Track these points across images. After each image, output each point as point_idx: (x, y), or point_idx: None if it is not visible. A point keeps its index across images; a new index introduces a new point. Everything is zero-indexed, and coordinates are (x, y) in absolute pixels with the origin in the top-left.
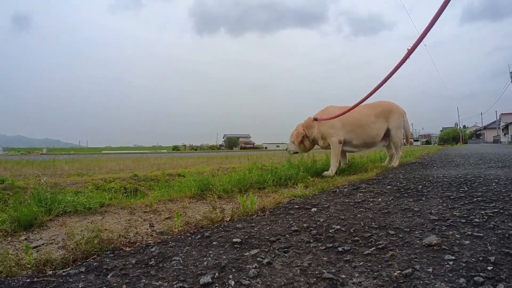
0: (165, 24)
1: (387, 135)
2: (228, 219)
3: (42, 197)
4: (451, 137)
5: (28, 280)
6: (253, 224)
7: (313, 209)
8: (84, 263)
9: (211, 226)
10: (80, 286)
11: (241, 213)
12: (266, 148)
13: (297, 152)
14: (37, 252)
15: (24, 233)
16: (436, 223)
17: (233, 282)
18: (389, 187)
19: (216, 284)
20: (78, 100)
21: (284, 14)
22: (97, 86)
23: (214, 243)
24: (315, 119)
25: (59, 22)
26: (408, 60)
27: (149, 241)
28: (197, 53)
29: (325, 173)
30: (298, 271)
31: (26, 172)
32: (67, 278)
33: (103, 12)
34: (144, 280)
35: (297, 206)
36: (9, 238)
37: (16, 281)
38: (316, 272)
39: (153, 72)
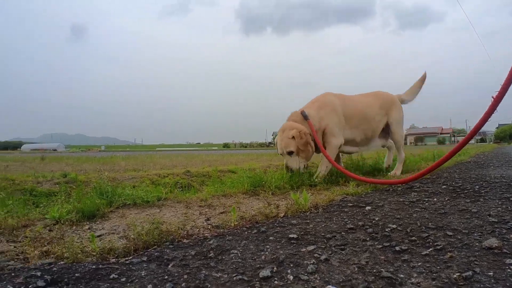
0: (212, 27)
1: (386, 131)
2: (282, 215)
3: (104, 190)
4: (508, 134)
5: (94, 266)
6: (308, 221)
7: (367, 208)
8: (146, 253)
9: (266, 221)
10: (142, 274)
11: (294, 209)
12: None
13: (305, 167)
14: (100, 241)
15: (87, 223)
16: (496, 226)
17: (291, 277)
18: (444, 186)
19: (275, 278)
20: (134, 101)
21: (328, 11)
22: (150, 88)
23: (270, 238)
24: (306, 117)
25: (112, 30)
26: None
27: (206, 234)
28: (243, 54)
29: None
30: (356, 269)
31: (86, 167)
32: (130, 266)
33: (152, 20)
34: (204, 272)
35: (350, 204)
36: (74, 227)
37: (82, 267)
38: (374, 270)
39: (202, 74)
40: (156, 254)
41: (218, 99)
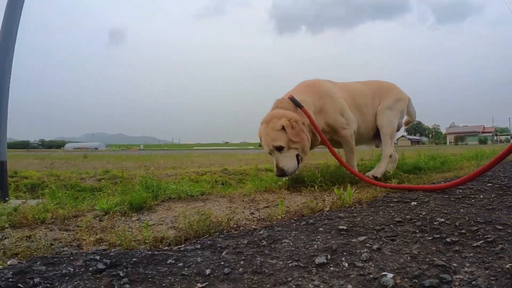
0: (246, 28)
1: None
2: (327, 209)
3: (149, 184)
4: None
5: (149, 252)
6: (355, 214)
7: (413, 203)
8: (198, 241)
9: (313, 215)
10: (198, 260)
11: (339, 204)
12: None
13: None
14: (150, 231)
15: (135, 214)
16: None
17: (346, 264)
18: (489, 184)
19: (331, 265)
20: (171, 101)
21: (362, 8)
22: (186, 89)
23: (320, 229)
24: (298, 105)
25: (148, 35)
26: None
27: (253, 226)
28: (277, 54)
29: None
30: (409, 258)
31: (126, 165)
32: (185, 253)
33: (187, 23)
34: (259, 258)
35: (395, 200)
36: (123, 218)
37: (138, 253)
38: (427, 259)
39: (236, 75)
40: (208, 242)
41: (252, 99)
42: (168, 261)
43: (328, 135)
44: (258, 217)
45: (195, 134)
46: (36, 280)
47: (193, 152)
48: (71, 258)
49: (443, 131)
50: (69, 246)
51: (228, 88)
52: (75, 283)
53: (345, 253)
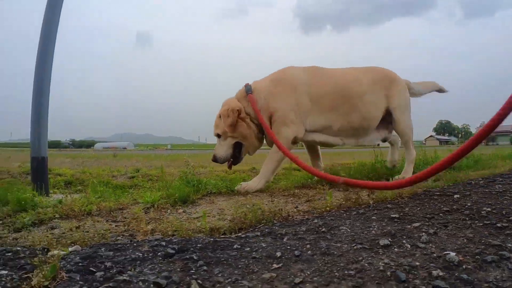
0: (270, 28)
1: (387, 120)
2: (371, 202)
3: (190, 179)
4: None
5: (212, 239)
6: (402, 206)
7: (456, 196)
8: (256, 229)
9: (359, 207)
10: (263, 245)
11: (379, 198)
12: (378, 145)
13: (234, 162)
14: (199, 222)
15: (180, 207)
16: None
17: (408, 245)
18: None
19: (394, 246)
20: (196, 101)
21: (387, 4)
22: (210, 89)
23: (373, 217)
24: (249, 92)
25: (173, 37)
26: None
27: (298, 217)
28: (302, 53)
29: (242, 184)
30: (465, 240)
31: (155, 164)
32: (247, 239)
33: (211, 25)
34: (323, 242)
35: (438, 193)
36: (168, 211)
37: (200, 240)
38: (482, 241)
39: (259, 75)
40: (266, 230)
41: None
42: (234, 246)
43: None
44: (302, 210)
45: None
46: (108, 264)
47: None
48: (135, 244)
49: (473, 130)
50: (122, 236)
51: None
52: (149, 266)
53: (404, 237)
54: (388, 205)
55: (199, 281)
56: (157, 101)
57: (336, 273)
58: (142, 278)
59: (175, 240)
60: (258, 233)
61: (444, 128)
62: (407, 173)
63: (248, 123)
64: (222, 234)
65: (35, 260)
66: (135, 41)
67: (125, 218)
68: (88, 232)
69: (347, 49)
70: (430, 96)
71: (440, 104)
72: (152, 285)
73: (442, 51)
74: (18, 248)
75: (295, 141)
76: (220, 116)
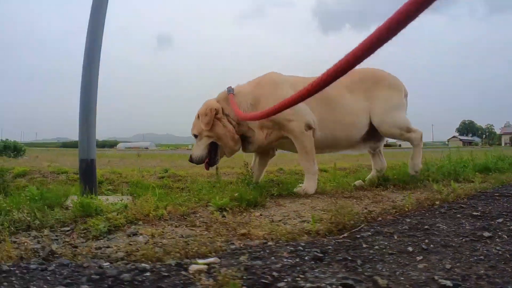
0: (289, 28)
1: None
2: (437, 202)
3: (249, 181)
4: None
5: (334, 240)
6: (473, 205)
7: None
8: (360, 230)
9: (433, 207)
10: (385, 243)
11: (442, 198)
12: (400, 145)
13: (210, 163)
14: (284, 224)
15: (253, 210)
16: None
17: (505, 236)
18: None
19: (496, 237)
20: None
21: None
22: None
23: (457, 215)
24: (230, 92)
25: (193, 38)
26: None
27: (391, 217)
28: (321, 52)
29: (302, 187)
30: None
31: (180, 164)
32: (363, 239)
33: (230, 25)
34: (433, 238)
35: (497, 194)
36: (243, 213)
37: (325, 242)
38: None
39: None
40: (372, 230)
41: None
42: (364, 246)
43: (276, 132)
44: (375, 211)
45: None
46: (272, 273)
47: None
48: (268, 251)
49: (497, 131)
50: (228, 242)
51: None
52: (317, 270)
53: (497, 230)
54: (462, 205)
55: (378, 276)
56: (177, 101)
57: (470, 259)
58: (329, 282)
59: (302, 244)
60: (369, 233)
61: (467, 128)
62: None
63: (224, 124)
64: (324, 236)
65: (196, 278)
66: (156, 42)
67: (204, 222)
68: (195, 240)
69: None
70: (452, 96)
71: (463, 104)
72: (340, 287)
73: (464, 48)
74: (146, 266)
75: (309, 127)
76: (198, 116)
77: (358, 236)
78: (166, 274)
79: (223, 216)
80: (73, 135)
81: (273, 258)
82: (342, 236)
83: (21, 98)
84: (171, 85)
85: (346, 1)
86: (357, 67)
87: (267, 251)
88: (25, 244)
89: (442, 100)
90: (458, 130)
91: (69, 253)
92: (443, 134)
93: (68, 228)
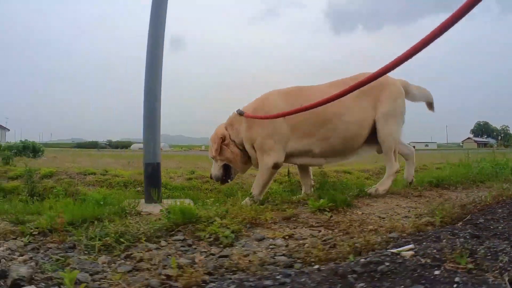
0: (302, 29)
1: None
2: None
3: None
4: None
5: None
6: None
7: None
8: (472, 218)
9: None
10: (496, 225)
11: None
12: (414, 147)
13: (225, 180)
14: (396, 220)
15: (350, 210)
16: None
17: None
18: None
19: None
20: (230, 104)
21: (419, 1)
22: (241, 90)
23: None
24: (240, 114)
25: (206, 40)
26: None
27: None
28: (333, 53)
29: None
30: None
31: (201, 165)
32: (479, 224)
33: (243, 26)
34: None
35: None
36: (347, 213)
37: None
38: None
39: (292, 73)
40: (480, 220)
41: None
42: (486, 227)
43: (253, 152)
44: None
45: None
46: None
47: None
48: (437, 236)
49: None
50: (380, 235)
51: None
52: (484, 242)
53: None
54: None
55: None
56: (189, 103)
57: None
58: (500, 248)
59: (453, 229)
60: (481, 220)
61: (482, 129)
62: (384, 185)
63: (231, 149)
64: (442, 226)
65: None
66: (169, 44)
67: (318, 222)
68: (320, 238)
69: (378, 48)
70: (467, 96)
71: (478, 105)
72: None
73: (478, 47)
74: (378, 259)
75: (276, 167)
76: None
77: (476, 222)
78: (389, 262)
79: (331, 216)
80: (87, 135)
81: (445, 240)
82: (460, 224)
83: (38, 99)
84: (184, 86)
85: (357, 2)
86: None
87: (434, 236)
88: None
89: (457, 100)
90: (473, 131)
91: (243, 265)
92: (458, 136)
93: (180, 237)
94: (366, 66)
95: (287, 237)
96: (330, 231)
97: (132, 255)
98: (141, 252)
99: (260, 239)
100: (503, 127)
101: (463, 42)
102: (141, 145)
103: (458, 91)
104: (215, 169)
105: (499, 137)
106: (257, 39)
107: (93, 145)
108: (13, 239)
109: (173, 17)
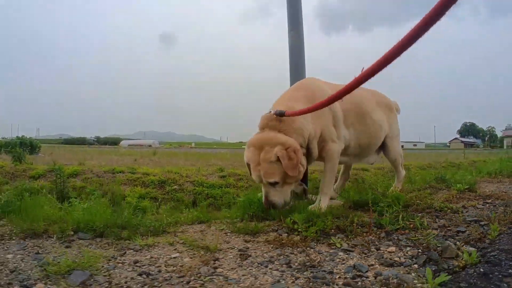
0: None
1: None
2: None
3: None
4: None
5: None
6: None
7: None
8: None
9: None
10: None
11: None
12: (403, 146)
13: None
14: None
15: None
16: None
17: None
18: None
19: None
20: (218, 100)
21: (410, 2)
22: (234, 87)
23: None
24: (281, 114)
25: (198, 36)
26: None
27: None
28: (322, 53)
29: (312, 207)
30: None
31: (213, 162)
32: None
33: (235, 25)
34: None
35: None
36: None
37: None
38: None
39: (280, 77)
40: None
41: None
42: None
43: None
44: None
45: (241, 134)
46: None
47: None
48: None
49: (499, 133)
50: None
51: (273, 89)
52: None
53: None
54: None
55: None
56: (179, 99)
57: None
58: None
59: None
60: None
61: (468, 130)
62: (397, 188)
63: (303, 162)
64: None
65: None
66: (158, 41)
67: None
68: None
69: (368, 50)
70: (455, 98)
71: (465, 106)
72: None
73: (467, 50)
74: None
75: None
76: (277, 159)
77: None
78: None
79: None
80: (75, 131)
81: None
82: None
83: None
84: (173, 83)
85: (349, 2)
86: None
87: None
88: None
89: (444, 101)
90: (460, 132)
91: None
92: (445, 136)
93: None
94: (356, 66)
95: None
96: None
97: None
98: None
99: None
100: (490, 128)
101: (453, 44)
102: (131, 142)
103: (446, 91)
104: (283, 195)
105: (486, 138)
106: (248, 37)
107: (81, 141)
108: None
109: (163, 14)
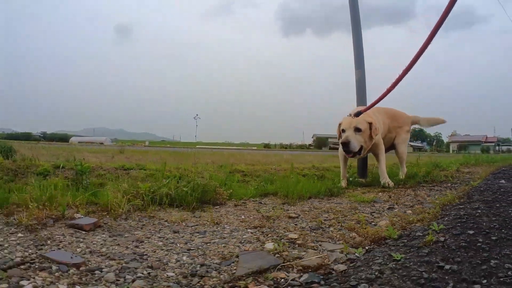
0: (253, 28)
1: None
2: None
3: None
4: None
5: None
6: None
7: None
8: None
9: None
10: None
11: None
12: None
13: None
14: None
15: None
16: None
17: None
18: None
19: None
20: (172, 99)
21: (370, 12)
22: (189, 86)
23: None
24: (359, 114)
25: (156, 30)
26: None
27: None
28: (283, 54)
29: (388, 182)
30: None
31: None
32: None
33: (196, 20)
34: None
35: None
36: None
37: None
38: None
39: (240, 73)
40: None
41: (256, 99)
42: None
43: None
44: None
45: (192, 133)
46: None
47: (210, 150)
48: None
49: (445, 139)
50: None
51: (231, 89)
52: None
53: None
54: None
55: None
56: (131, 96)
57: None
58: None
59: None
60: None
61: (416, 135)
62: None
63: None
64: None
65: None
66: (113, 33)
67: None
68: None
69: (327, 54)
70: (405, 104)
71: (415, 113)
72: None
73: (422, 62)
74: None
75: None
76: (369, 124)
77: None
78: None
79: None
80: (17, 126)
81: None
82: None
83: None
84: (127, 79)
85: (310, 7)
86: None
87: None
88: None
89: (396, 108)
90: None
91: None
92: None
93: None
94: (317, 70)
95: None
96: None
97: None
98: None
99: None
100: (436, 134)
101: (408, 56)
102: (81, 139)
103: (398, 100)
104: (357, 140)
105: (433, 143)
106: (209, 35)
107: (26, 137)
108: None
109: (120, 3)
